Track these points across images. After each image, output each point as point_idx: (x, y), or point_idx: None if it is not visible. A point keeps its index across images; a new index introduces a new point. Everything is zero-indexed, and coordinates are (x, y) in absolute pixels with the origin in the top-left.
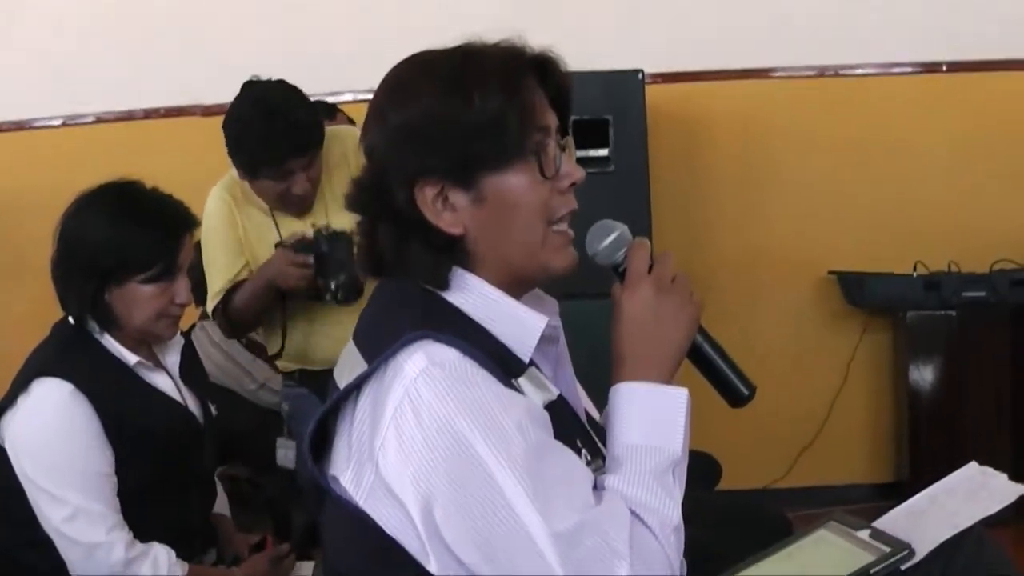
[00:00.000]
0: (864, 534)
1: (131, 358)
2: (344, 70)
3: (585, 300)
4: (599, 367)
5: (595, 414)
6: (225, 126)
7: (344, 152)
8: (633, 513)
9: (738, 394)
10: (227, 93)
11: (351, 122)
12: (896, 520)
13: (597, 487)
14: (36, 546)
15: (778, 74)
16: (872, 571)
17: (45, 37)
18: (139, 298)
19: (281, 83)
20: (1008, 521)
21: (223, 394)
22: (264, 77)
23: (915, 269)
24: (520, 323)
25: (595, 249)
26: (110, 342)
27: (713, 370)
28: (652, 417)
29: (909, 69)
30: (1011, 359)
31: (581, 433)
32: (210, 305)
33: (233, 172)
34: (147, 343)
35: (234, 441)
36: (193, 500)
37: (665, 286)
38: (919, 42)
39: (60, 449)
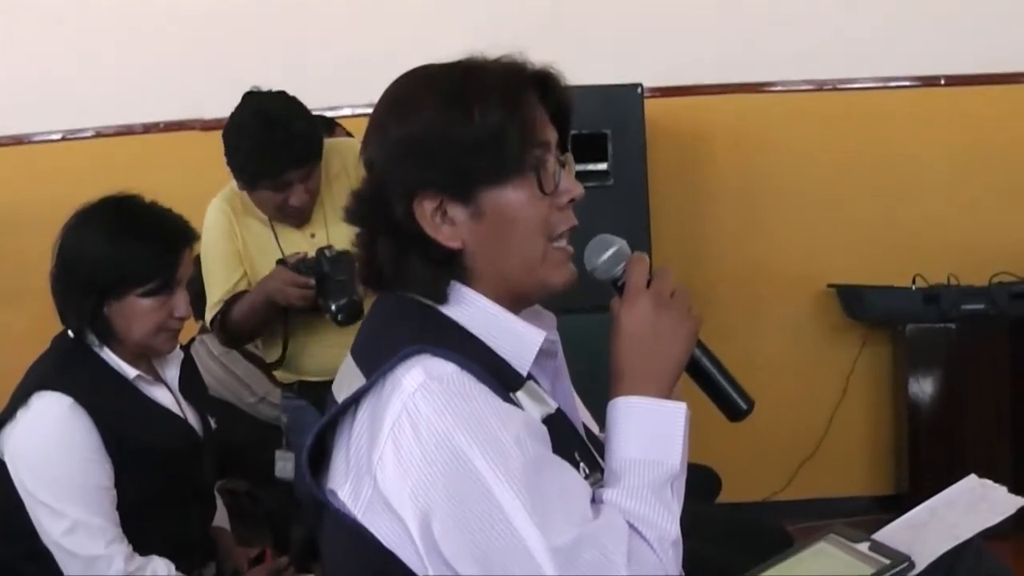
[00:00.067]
0: (864, 546)
1: (130, 372)
2: (343, 84)
3: (584, 314)
4: (598, 381)
5: (594, 428)
6: (225, 136)
7: (344, 164)
8: (631, 527)
9: (737, 408)
10: (226, 107)
11: (349, 136)
12: (896, 532)
13: (595, 501)
14: (35, 559)
15: (777, 88)
16: None
17: (44, 51)
18: (138, 312)
19: (282, 94)
20: (1008, 534)
21: (222, 408)
22: (265, 88)
23: (914, 282)
24: (518, 337)
25: (594, 264)
26: (109, 356)
27: (712, 384)
28: (651, 431)
29: (907, 83)
30: (1010, 372)
31: (580, 447)
32: (208, 315)
33: (233, 183)
34: (146, 357)
35: (233, 454)
36: (193, 513)
37: (664, 301)
38: (917, 56)
39: (59, 462)
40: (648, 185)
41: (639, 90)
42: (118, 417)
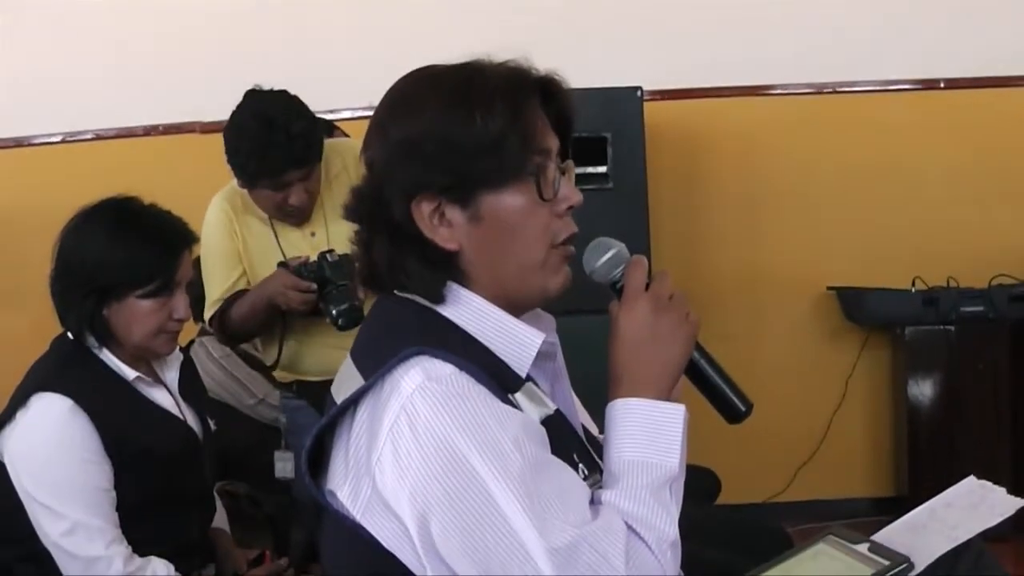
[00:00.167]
0: (863, 548)
1: (130, 373)
2: (342, 87)
3: (583, 316)
4: (597, 382)
5: (593, 429)
6: (225, 135)
7: (344, 164)
8: (630, 528)
9: (735, 411)
10: (226, 110)
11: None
12: (895, 534)
13: (594, 502)
14: (35, 560)
15: (776, 91)
16: None
17: (44, 54)
18: (138, 313)
19: (283, 93)
20: (1007, 535)
21: (222, 409)
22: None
23: (914, 285)
24: (517, 339)
25: (592, 266)
26: (109, 357)
27: (710, 387)
28: (649, 433)
29: (907, 86)
30: (1010, 373)
31: (578, 448)
32: (207, 313)
33: (234, 181)
34: (146, 359)
35: (233, 456)
36: (192, 515)
37: (662, 304)
38: (917, 59)
39: (59, 464)
40: (647, 188)
41: (639, 93)
42: (117, 419)
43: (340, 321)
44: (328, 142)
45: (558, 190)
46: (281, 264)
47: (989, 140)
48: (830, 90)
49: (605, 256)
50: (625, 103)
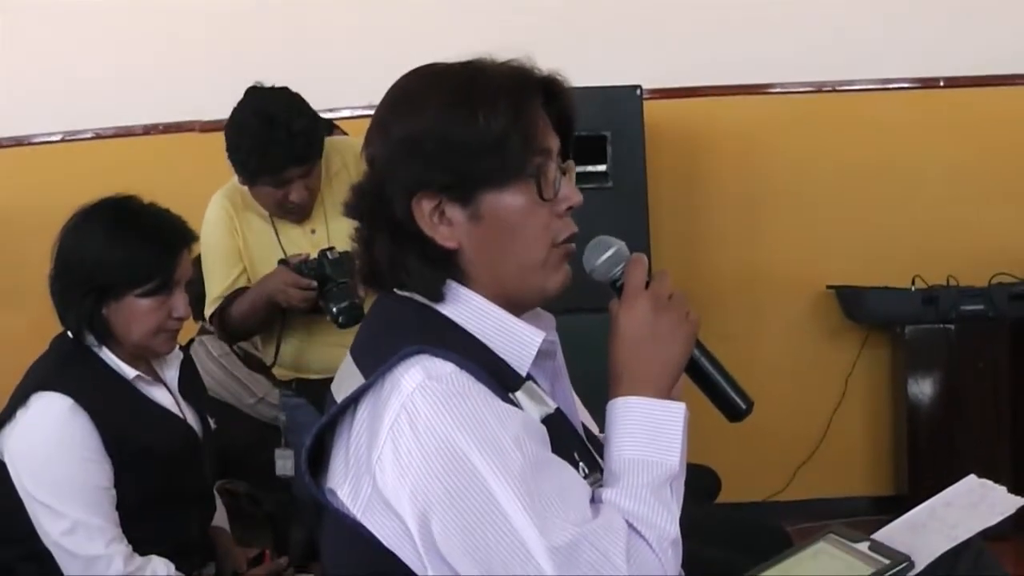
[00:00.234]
0: (863, 547)
1: (130, 372)
2: (342, 86)
3: (583, 314)
4: (597, 380)
5: (593, 428)
6: (226, 132)
7: (344, 162)
8: (630, 526)
9: (736, 409)
10: (226, 109)
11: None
12: (895, 532)
13: (595, 500)
14: (35, 560)
15: (776, 90)
16: None
17: (44, 53)
18: (137, 312)
19: (284, 91)
20: (1007, 534)
21: (222, 408)
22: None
23: (913, 283)
24: (517, 338)
25: (592, 265)
26: (109, 356)
27: (711, 385)
28: (649, 431)
29: (907, 85)
30: (1010, 372)
31: (579, 447)
32: (208, 311)
33: (235, 179)
34: (146, 357)
35: (233, 455)
36: (192, 514)
37: (662, 302)
38: (916, 58)
39: (59, 463)
40: (647, 187)
41: (638, 92)
42: (117, 417)
43: (340, 319)
44: (328, 140)
45: (559, 190)
46: (281, 261)
47: (989, 139)
48: (830, 89)
49: (605, 255)
50: (625, 102)
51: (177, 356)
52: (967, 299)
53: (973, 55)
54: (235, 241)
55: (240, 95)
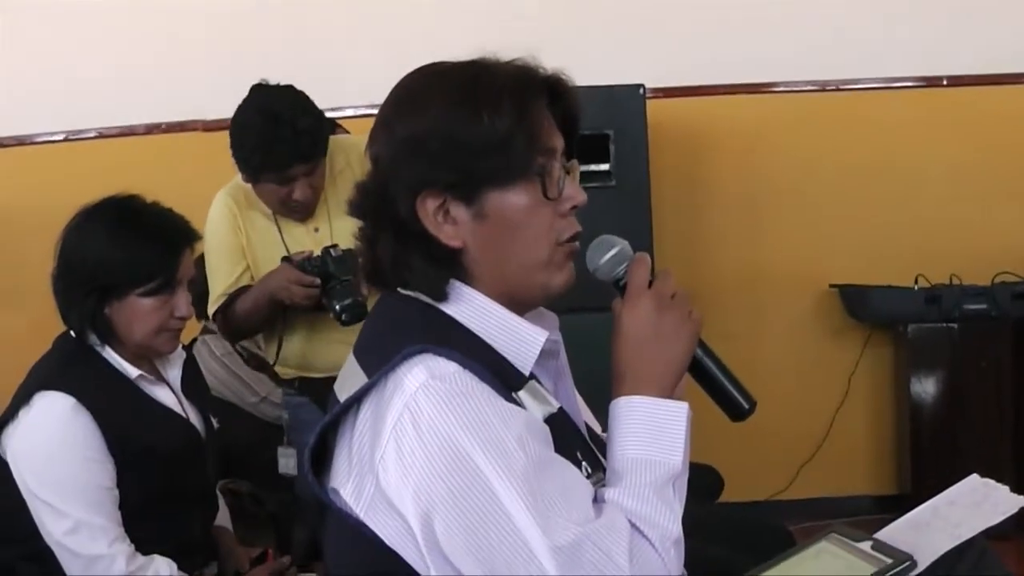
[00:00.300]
0: (866, 546)
1: (133, 372)
2: (344, 85)
3: (586, 313)
4: (600, 380)
5: (596, 427)
6: (231, 129)
7: (348, 160)
8: (633, 526)
9: (739, 408)
10: (228, 108)
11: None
12: (898, 532)
13: (597, 500)
14: (36, 559)
15: (779, 89)
16: None
17: (46, 53)
18: (139, 311)
19: (289, 88)
20: (1010, 534)
21: (224, 408)
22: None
23: (916, 282)
24: (520, 337)
25: (596, 264)
26: (111, 356)
27: (714, 385)
28: (652, 431)
29: (910, 83)
30: (1012, 371)
31: (582, 446)
32: (210, 309)
33: (239, 176)
34: (148, 357)
35: (235, 454)
36: (195, 513)
37: (665, 302)
38: (920, 57)
39: (62, 462)
40: (650, 186)
41: (641, 91)
42: (120, 417)
43: (344, 316)
44: (332, 138)
45: (563, 189)
46: (285, 259)
47: (992, 137)
48: (833, 88)
49: (608, 254)
50: (627, 101)
51: (180, 355)
52: (970, 298)
53: (976, 54)
54: (238, 239)
55: (241, 95)
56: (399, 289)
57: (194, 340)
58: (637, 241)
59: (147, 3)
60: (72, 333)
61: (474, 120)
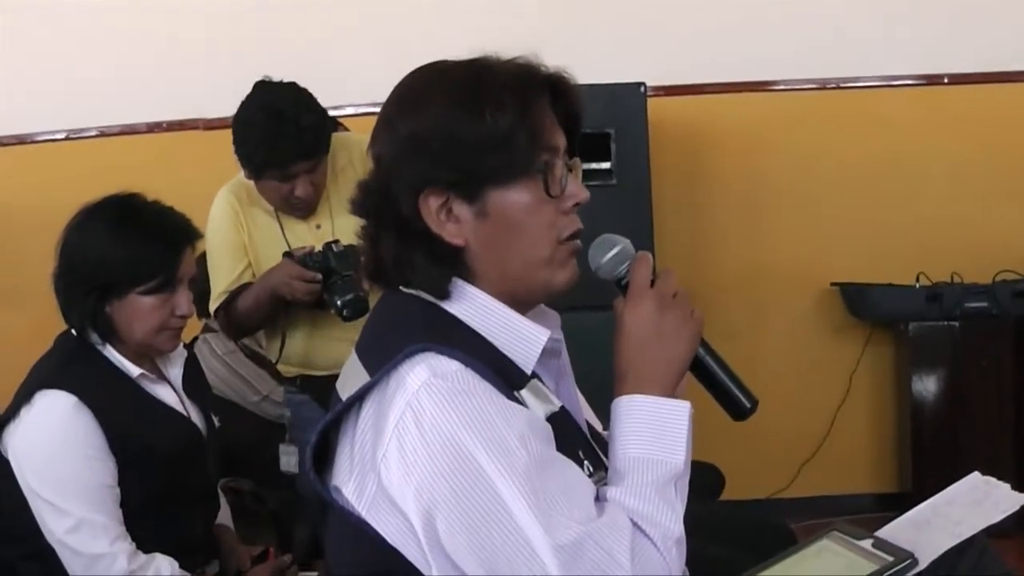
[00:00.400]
0: (867, 544)
1: (134, 370)
2: (345, 84)
3: (587, 312)
4: (601, 378)
5: (598, 426)
6: (234, 125)
7: (350, 158)
8: (635, 525)
9: (741, 407)
10: (229, 107)
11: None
12: (899, 530)
13: (599, 499)
14: (38, 558)
15: (780, 87)
16: None
17: (47, 52)
18: (140, 310)
19: (292, 86)
20: (1011, 532)
21: (226, 406)
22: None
23: (917, 280)
24: (522, 336)
25: (597, 263)
26: (113, 354)
27: (715, 384)
28: (654, 430)
29: (911, 81)
30: (1013, 369)
31: (584, 445)
32: (212, 306)
33: (241, 174)
34: (150, 355)
35: (237, 453)
36: (196, 512)
37: (667, 301)
38: (921, 54)
39: (63, 461)
40: (651, 184)
41: (642, 89)
42: (122, 415)
43: (345, 312)
44: (335, 136)
45: (565, 187)
46: (286, 254)
47: (993, 136)
48: (834, 86)
49: (610, 253)
50: (628, 99)
51: (181, 354)
52: (971, 296)
53: (978, 52)
54: (240, 236)
55: (242, 94)
56: (401, 288)
57: (195, 339)
58: (638, 240)
59: (147, 3)
60: (73, 332)
61: (476, 118)
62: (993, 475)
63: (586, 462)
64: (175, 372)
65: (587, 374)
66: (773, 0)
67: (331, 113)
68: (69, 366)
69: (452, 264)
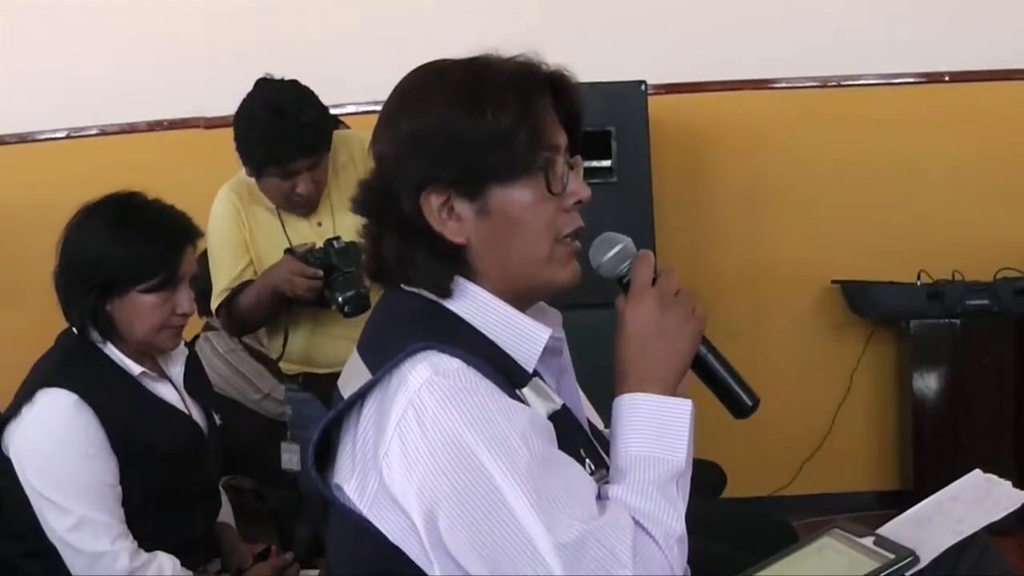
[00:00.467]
0: (868, 541)
1: (135, 368)
2: (346, 82)
3: (589, 310)
4: (603, 377)
5: (599, 424)
6: (235, 123)
7: (351, 155)
8: (637, 523)
9: (742, 406)
10: (230, 105)
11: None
12: (900, 527)
13: (601, 497)
14: (39, 556)
15: (781, 85)
16: None
17: (48, 51)
18: (140, 308)
19: (293, 83)
20: (1012, 529)
21: (227, 404)
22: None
23: (919, 278)
24: (523, 334)
25: (599, 261)
26: (114, 352)
27: (717, 382)
28: (656, 428)
29: (912, 79)
30: (1015, 367)
31: (585, 443)
32: (214, 304)
33: (242, 172)
34: (151, 354)
35: (238, 451)
36: (197, 510)
37: (669, 299)
38: (922, 53)
39: (65, 459)
40: (652, 182)
41: (643, 87)
42: (123, 414)
43: (346, 308)
44: (336, 133)
45: (567, 185)
46: (287, 251)
47: (994, 134)
48: (834, 84)
49: (612, 251)
50: (629, 97)
51: (182, 352)
52: (972, 294)
53: (978, 50)
54: (242, 233)
55: (243, 92)
56: (403, 286)
57: (196, 337)
58: (638, 238)
59: (147, 3)
60: (74, 330)
61: (477, 116)
62: (994, 472)
63: (587, 460)
64: (176, 370)
65: (588, 372)
66: None
67: (333, 111)
68: (70, 364)
69: (454, 262)
